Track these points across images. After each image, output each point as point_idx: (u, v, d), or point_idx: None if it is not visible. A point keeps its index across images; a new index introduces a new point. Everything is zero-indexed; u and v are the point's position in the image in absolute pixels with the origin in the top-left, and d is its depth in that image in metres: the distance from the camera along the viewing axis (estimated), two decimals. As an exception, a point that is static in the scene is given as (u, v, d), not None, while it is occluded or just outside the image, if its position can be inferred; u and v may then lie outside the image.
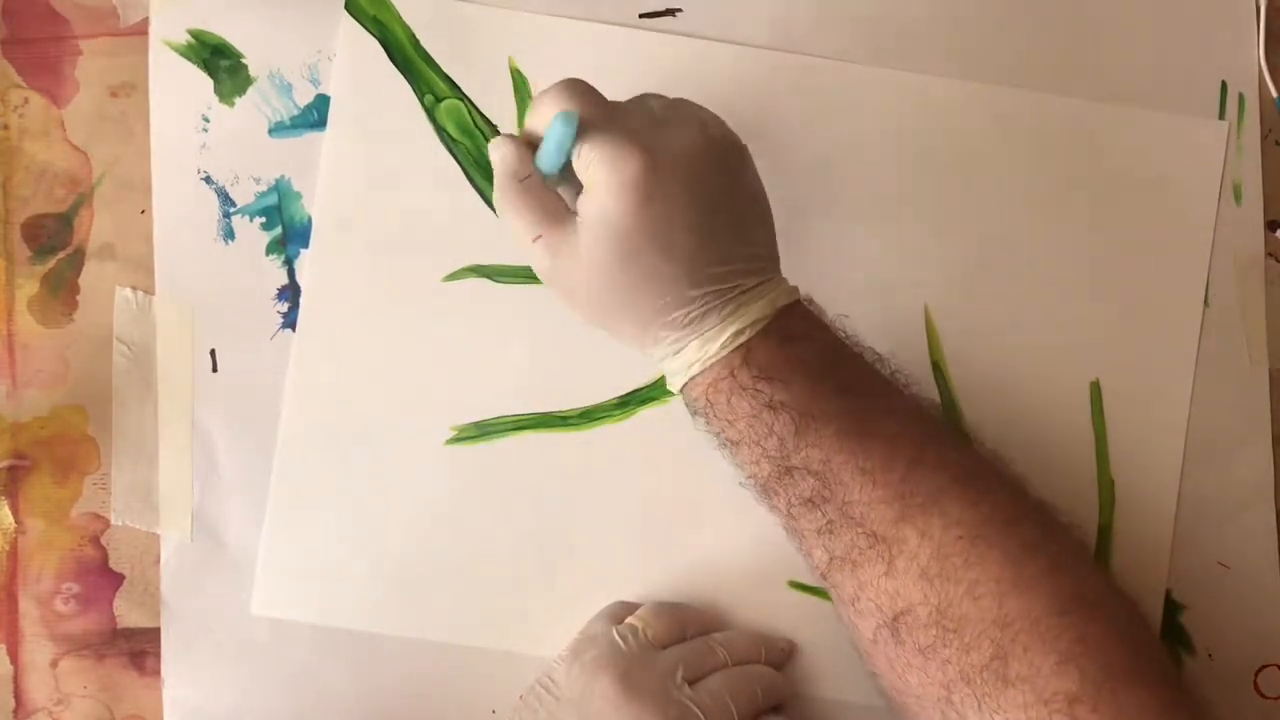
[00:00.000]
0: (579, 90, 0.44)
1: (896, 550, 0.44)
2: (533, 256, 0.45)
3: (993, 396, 0.54)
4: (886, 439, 0.45)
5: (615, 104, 0.45)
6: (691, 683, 0.49)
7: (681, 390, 0.47)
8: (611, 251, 0.43)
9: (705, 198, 0.44)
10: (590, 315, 0.46)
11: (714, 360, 0.45)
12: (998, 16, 0.56)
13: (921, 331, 0.55)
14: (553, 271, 0.45)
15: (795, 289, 0.47)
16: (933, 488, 0.44)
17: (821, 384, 0.45)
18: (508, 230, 0.46)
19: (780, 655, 0.53)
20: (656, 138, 0.44)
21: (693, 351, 0.45)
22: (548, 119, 0.44)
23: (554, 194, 0.45)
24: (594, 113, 0.44)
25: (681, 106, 0.47)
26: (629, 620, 0.51)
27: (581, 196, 0.44)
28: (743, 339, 0.45)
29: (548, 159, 0.44)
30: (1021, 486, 0.48)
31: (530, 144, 0.45)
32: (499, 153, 0.45)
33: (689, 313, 0.45)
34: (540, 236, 0.45)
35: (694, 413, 0.47)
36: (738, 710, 0.49)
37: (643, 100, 0.47)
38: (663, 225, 0.43)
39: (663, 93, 0.48)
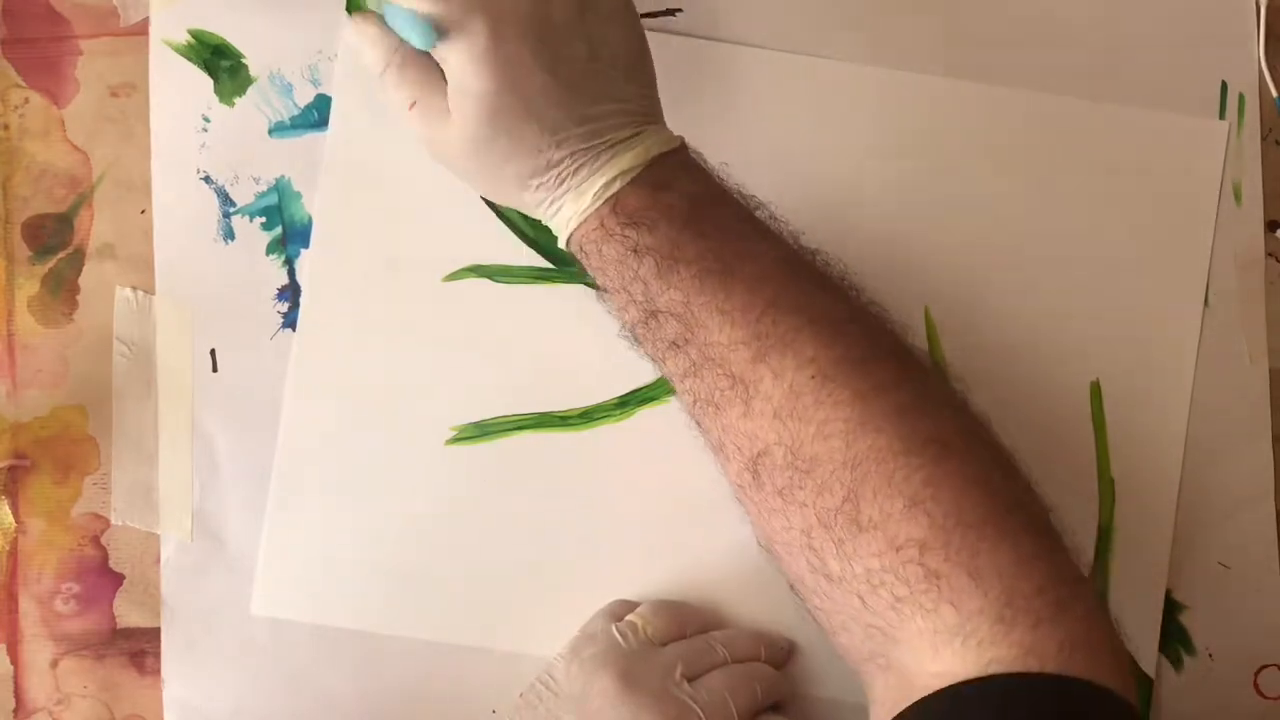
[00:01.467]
0: None
1: (753, 391, 0.44)
2: (411, 124, 0.46)
3: (993, 397, 0.54)
4: (748, 281, 0.45)
5: None
6: (691, 680, 0.49)
7: (567, 245, 0.47)
8: (475, 120, 0.44)
9: (558, 57, 0.45)
10: (469, 181, 0.48)
11: (588, 212, 0.45)
12: (998, 17, 0.56)
13: (921, 332, 0.55)
14: (430, 140, 0.46)
15: (676, 138, 0.47)
16: (788, 328, 0.44)
17: (687, 228, 0.45)
18: (389, 104, 0.47)
19: (780, 654, 0.53)
20: (502, 3, 0.44)
21: (569, 206, 0.46)
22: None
23: (427, 63, 0.46)
24: None
25: None
26: (629, 618, 0.51)
27: (445, 68, 0.45)
28: (613, 189, 0.45)
29: (413, 42, 0.45)
30: (885, 330, 0.47)
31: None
32: (366, 30, 0.46)
33: (560, 171, 0.45)
34: (415, 103, 0.46)
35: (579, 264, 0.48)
36: (737, 708, 0.49)
37: None
38: (518, 89, 0.44)
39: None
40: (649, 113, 0.47)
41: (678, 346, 0.45)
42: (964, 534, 0.40)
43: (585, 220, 0.45)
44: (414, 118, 0.46)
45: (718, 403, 0.45)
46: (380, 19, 0.46)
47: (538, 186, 0.46)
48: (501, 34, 0.44)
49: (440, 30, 0.44)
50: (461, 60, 0.44)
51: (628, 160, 0.45)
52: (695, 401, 0.46)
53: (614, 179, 0.45)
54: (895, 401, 0.43)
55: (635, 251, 0.45)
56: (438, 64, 0.45)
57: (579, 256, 0.47)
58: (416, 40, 0.44)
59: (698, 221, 0.46)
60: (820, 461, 0.42)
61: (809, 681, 0.54)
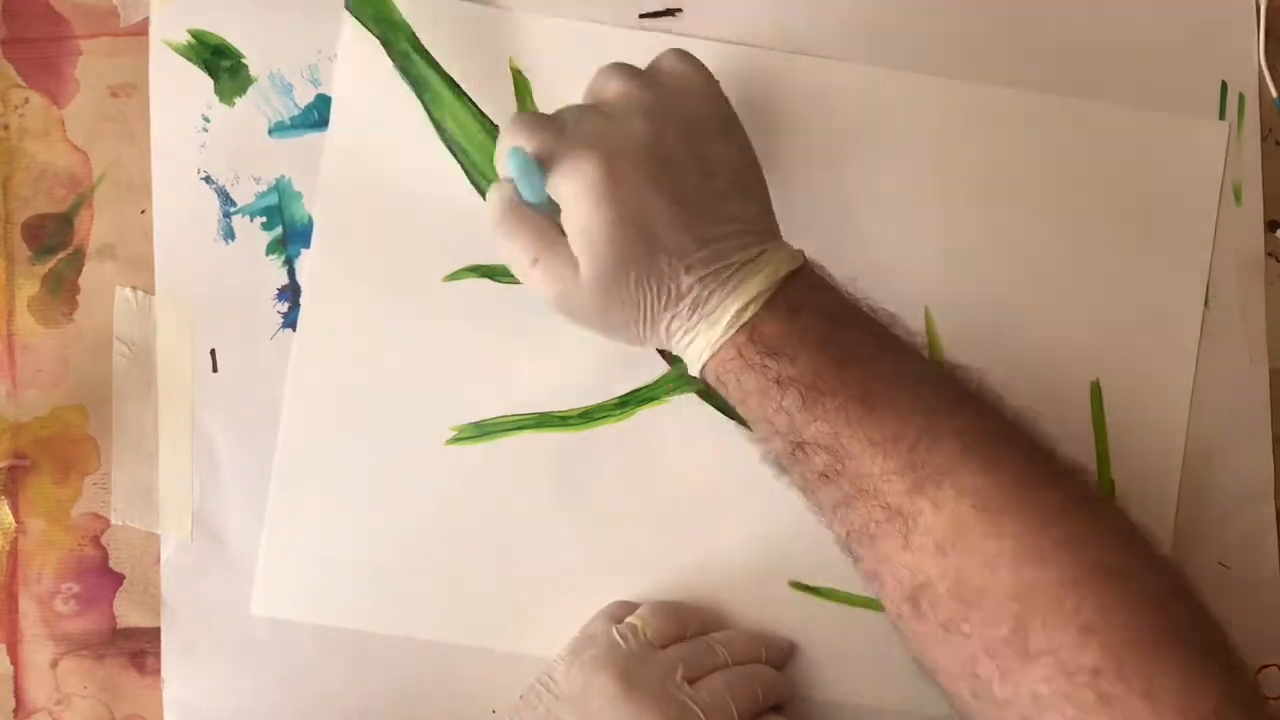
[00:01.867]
0: (524, 122, 0.45)
1: (912, 524, 0.43)
2: (534, 282, 0.46)
3: (993, 397, 0.54)
4: (896, 407, 0.44)
5: (563, 117, 0.45)
6: (691, 682, 0.49)
7: (701, 375, 0.46)
8: (600, 261, 0.44)
9: (675, 182, 0.44)
10: (600, 329, 0.47)
11: (722, 342, 0.44)
12: (998, 17, 0.56)
13: (922, 332, 0.55)
14: (555, 294, 0.45)
15: (798, 253, 0.46)
16: (945, 457, 0.43)
17: (827, 355, 0.44)
18: (507, 261, 0.47)
19: (780, 655, 0.53)
20: (608, 138, 0.44)
21: (703, 336, 0.45)
22: (506, 142, 0.45)
23: (545, 218, 0.46)
24: (544, 135, 0.44)
25: (629, 98, 0.46)
26: (629, 619, 0.51)
27: (562, 216, 0.45)
28: (747, 315, 0.44)
29: (524, 193, 0.45)
30: (1044, 449, 0.46)
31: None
32: (491, 193, 0.47)
33: (693, 299, 0.45)
34: (537, 260, 0.45)
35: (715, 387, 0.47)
36: (737, 710, 0.49)
37: (593, 105, 0.47)
38: (640, 219, 0.44)
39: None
40: (768, 229, 0.47)
41: (828, 478, 0.44)
42: (1137, 657, 0.40)
43: (720, 350, 0.45)
44: (538, 275, 0.45)
45: (874, 534, 0.44)
46: (506, 180, 0.46)
47: (671, 319, 0.45)
48: (616, 166, 0.43)
49: (550, 169, 0.44)
50: (579, 198, 0.43)
51: (758, 283, 0.44)
52: (849, 532, 0.45)
53: (746, 305, 0.44)
54: (1064, 532, 0.42)
55: (778, 383, 0.44)
56: (552, 220, 0.45)
57: (715, 386, 0.46)
58: (528, 193, 0.44)
59: (837, 346, 0.45)
60: (987, 594, 0.41)
61: (810, 683, 0.54)
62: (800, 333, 0.45)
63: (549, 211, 0.46)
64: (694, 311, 0.45)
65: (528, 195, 0.45)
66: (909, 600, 0.43)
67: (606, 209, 0.43)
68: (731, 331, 0.44)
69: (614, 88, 0.46)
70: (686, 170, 0.45)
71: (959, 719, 0.45)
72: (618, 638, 0.50)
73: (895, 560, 0.43)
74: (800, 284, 0.45)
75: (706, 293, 0.45)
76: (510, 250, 0.46)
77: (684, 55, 0.48)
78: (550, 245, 0.45)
